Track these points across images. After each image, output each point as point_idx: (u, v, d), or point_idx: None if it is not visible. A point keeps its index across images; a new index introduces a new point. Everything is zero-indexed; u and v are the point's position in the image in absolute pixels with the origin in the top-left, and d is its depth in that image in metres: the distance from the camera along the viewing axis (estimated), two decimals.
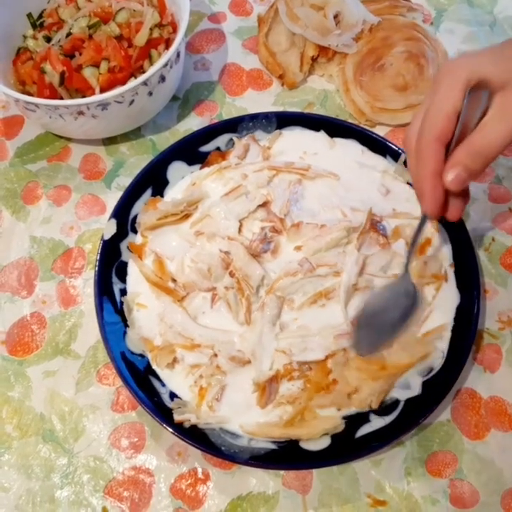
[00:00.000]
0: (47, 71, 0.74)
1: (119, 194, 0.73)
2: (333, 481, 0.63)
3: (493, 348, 0.69)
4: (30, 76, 0.76)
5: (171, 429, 0.60)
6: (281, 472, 0.63)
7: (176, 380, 0.65)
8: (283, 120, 0.78)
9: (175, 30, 0.80)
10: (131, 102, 0.73)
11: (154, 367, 0.66)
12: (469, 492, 0.62)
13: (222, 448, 0.60)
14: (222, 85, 0.86)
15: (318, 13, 0.82)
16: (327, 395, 0.63)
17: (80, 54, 0.75)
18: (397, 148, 0.75)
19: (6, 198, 0.78)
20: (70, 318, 0.71)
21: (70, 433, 0.65)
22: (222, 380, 0.64)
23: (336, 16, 0.82)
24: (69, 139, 0.82)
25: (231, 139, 0.77)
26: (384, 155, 0.76)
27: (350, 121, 0.80)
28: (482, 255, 0.74)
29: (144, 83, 0.71)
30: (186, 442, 0.60)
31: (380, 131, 0.81)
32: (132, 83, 0.70)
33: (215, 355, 0.64)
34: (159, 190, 0.75)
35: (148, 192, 0.74)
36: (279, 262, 0.69)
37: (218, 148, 0.77)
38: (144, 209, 0.73)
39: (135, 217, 0.72)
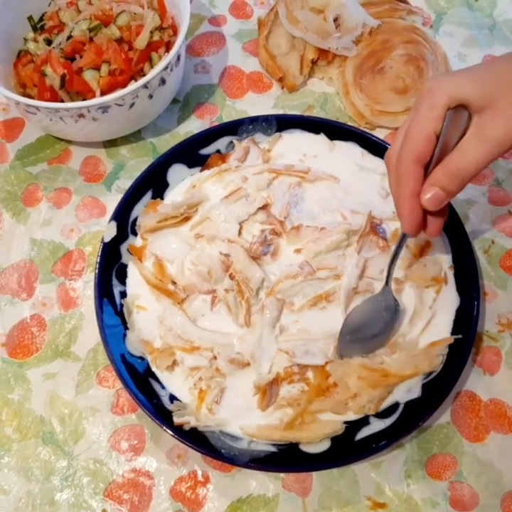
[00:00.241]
0: (47, 74, 0.74)
1: (119, 196, 0.73)
2: (333, 483, 0.63)
3: (492, 351, 0.69)
4: (30, 79, 0.76)
5: (170, 432, 0.60)
6: (281, 475, 0.63)
7: (175, 383, 0.65)
8: (283, 123, 0.78)
9: (175, 33, 0.80)
10: (132, 104, 0.73)
11: (154, 369, 0.66)
12: (469, 495, 0.62)
13: (222, 450, 0.60)
14: (223, 88, 0.87)
15: (318, 16, 0.83)
16: (326, 400, 0.63)
17: (81, 57, 0.75)
18: None
19: (6, 200, 0.78)
20: (70, 321, 0.71)
21: (69, 435, 0.65)
22: (222, 383, 0.64)
23: (335, 19, 0.83)
24: (69, 142, 0.82)
25: (231, 142, 0.77)
26: (384, 158, 0.76)
27: (349, 124, 0.81)
28: (482, 258, 0.74)
29: (145, 86, 0.72)
30: (186, 445, 0.60)
31: (380, 133, 0.81)
32: (133, 86, 0.70)
33: (215, 357, 0.64)
34: (159, 192, 0.75)
35: (149, 194, 0.74)
36: (279, 265, 0.69)
37: (218, 151, 0.77)
38: (144, 212, 0.73)
39: (135, 219, 0.73)
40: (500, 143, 0.51)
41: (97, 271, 0.68)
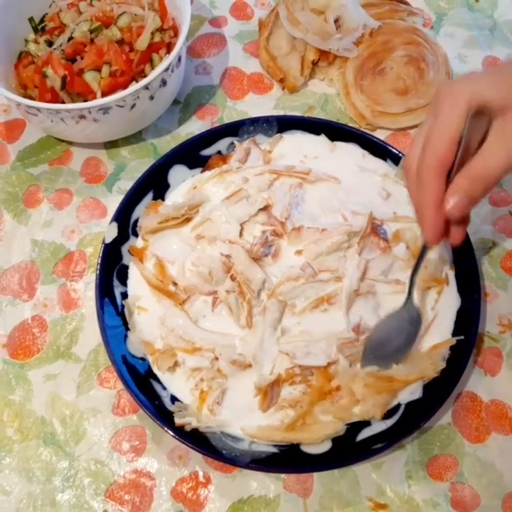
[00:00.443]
0: (48, 75, 0.74)
1: (120, 198, 0.73)
2: (334, 484, 0.63)
3: (493, 352, 0.69)
4: (31, 80, 0.76)
5: (172, 433, 0.60)
6: (282, 475, 0.63)
7: (176, 384, 0.65)
8: (284, 124, 0.78)
9: (176, 35, 0.80)
10: (133, 106, 0.73)
11: (155, 370, 0.66)
12: (470, 495, 0.62)
13: (223, 451, 0.60)
14: (223, 89, 0.87)
15: (319, 18, 0.83)
16: (329, 404, 0.63)
17: (82, 58, 0.75)
18: (397, 152, 0.75)
19: (7, 201, 0.79)
20: (71, 322, 0.71)
21: (70, 436, 0.65)
22: (223, 384, 0.64)
23: (336, 20, 0.83)
24: (70, 143, 0.82)
25: (232, 143, 0.77)
26: (384, 159, 0.76)
27: (350, 125, 0.81)
28: (483, 259, 0.74)
29: (146, 87, 0.72)
30: (187, 446, 0.60)
31: (381, 134, 0.81)
32: (133, 87, 0.70)
33: (216, 358, 0.64)
34: (160, 193, 0.75)
35: (150, 196, 0.74)
36: (280, 266, 0.69)
37: (219, 152, 0.77)
38: (145, 212, 0.73)
39: (136, 220, 0.73)
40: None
41: (98, 272, 0.68)
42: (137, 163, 0.81)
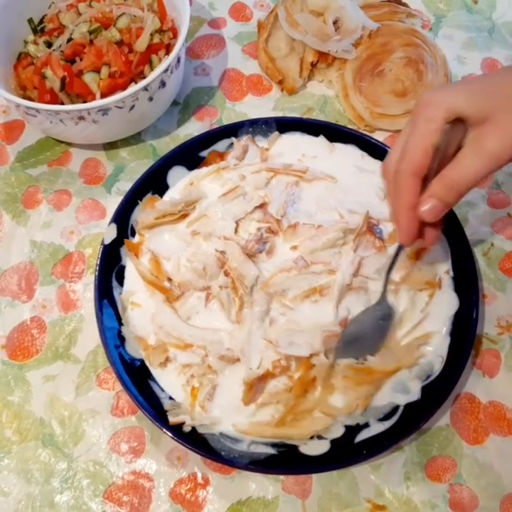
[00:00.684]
0: (48, 76, 0.74)
1: (119, 199, 0.73)
2: (332, 485, 0.63)
3: (492, 353, 0.69)
4: (31, 81, 0.76)
5: (170, 434, 0.60)
6: (281, 477, 0.63)
7: (168, 380, 0.65)
8: (283, 125, 0.78)
9: (175, 36, 0.80)
10: (132, 107, 0.73)
11: (148, 365, 0.66)
12: (468, 497, 0.62)
13: (222, 453, 0.60)
14: (222, 90, 0.87)
15: (318, 19, 0.83)
16: (312, 400, 0.63)
17: (81, 59, 0.75)
18: None
19: (6, 202, 0.79)
20: (70, 323, 0.71)
21: (69, 437, 0.65)
22: (214, 380, 0.64)
23: (335, 22, 0.83)
24: (69, 144, 0.82)
25: (231, 144, 0.77)
26: (383, 160, 0.76)
27: (349, 126, 0.81)
28: (481, 260, 0.74)
29: (145, 88, 0.72)
30: (186, 447, 0.60)
31: (379, 136, 0.81)
32: (133, 88, 0.70)
33: (207, 355, 0.65)
34: (159, 195, 0.75)
35: (149, 197, 0.74)
36: (274, 262, 0.69)
37: None
38: (142, 207, 0.73)
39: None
40: (497, 157, 0.51)
41: (97, 273, 0.68)
42: (136, 165, 0.81)
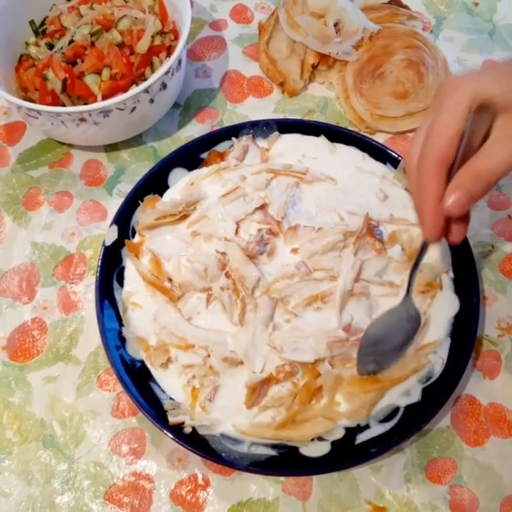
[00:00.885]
0: (49, 78, 0.74)
1: (120, 200, 0.73)
2: (333, 487, 0.63)
3: (492, 355, 0.69)
4: (32, 83, 0.76)
5: (171, 435, 0.60)
6: (281, 478, 0.63)
7: (169, 381, 0.65)
8: (283, 127, 0.78)
9: (176, 38, 0.80)
10: (133, 109, 0.73)
11: (148, 366, 0.66)
12: (469, 499, 0.62)
13: (223, 454, 0.60)
14: (223, 92, 0.87)
15: (319, 21, 0.83)
16: (317, 408, 0.63)
17: (82, 61, 0.76)
18: (396, 156, 0.75)
19: (7, 203, 0.79)
20: (71, 324, 0.71)
21: (70, 439, 0.65)
22: (215, 381, 0.64)
23: (336, 24, 0.83)
24: (70, 146, 0.82)
25: (232, 146, 0.78)
26: (384, 162, 0.76)
27: (350, 128, 0.81)
28: (482, 262, 0.74)
29: (146, 90, 0.72)
30: (186, 448, 0.60)
31: (380, 138, 0.81)
32: (134, 90, 0.71)
33: (209, 355, 0.65)
34: (160, 196, 0.75)
35: (149, 197, 0.74)
36: (275, 264, 0.69)
37: None
38: (142, 208, 0.73)
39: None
40: None
41: (98, 274, 0.68)
42: (137, 166, 0.81)
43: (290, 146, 0.78)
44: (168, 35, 0.79)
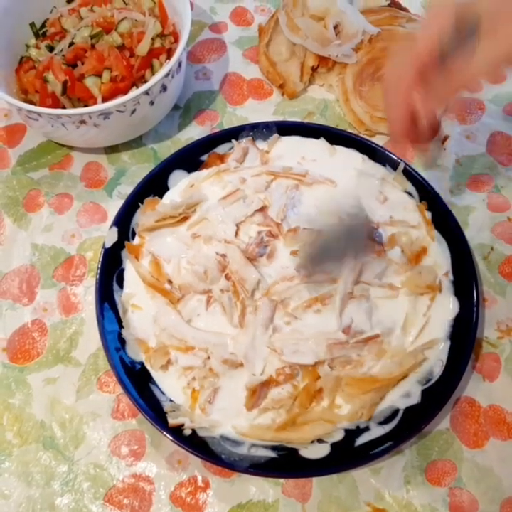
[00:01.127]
0: (49, 80, 0.74)
1: (120, 202, 0.73)
2: (332, 489, 0.63)
3: (492, 357, 0.69)
4: (32, 85, 0.76)
5: (171, 437, 0.60)
6: (281, 480, 0.63)
7: (169, 382, 0.65)
8: (283, 129, 0.78)
9: (176, 40, 0.80)
10: (133, 111, 0.73)
11: (148, 368, 0.66)
12: (468, 501, 0.62)
13: (222, 456, 0.60)
14: (223, 95, 0.87)
15: (319, 24, 0.83)
16: (317, 411, 0.63)
17: (83, 63, 0.76)
18: (396, 158, 0.75)
19: (7, 205, 0.79)
20: (71, 326, 0.71)
21: (70, 440, 0.65)
22: (215, 383, 0.64)
23: (336, 27, 0.83)
24: (71, 148, 0.82)
25: (231, 148, 0.78)
26: (383, 164, 0.76)
27: (349, 130, 0.81)
28: (481, 264, 0.74)
29: (146, 92, 0.72)
30: (186, 450, 0.60)
31: (380, 140, 0.81)
32: (134, 93, 0.71)
33: (209, 357, 0.65)
34: (160, 198, 0.75)
35: (149, 199, 0.74)
36: (275, 267, 0.69)
37: None
38: (142, 210, 0.73)
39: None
40: (493, 62, 0.50)
41: (98, 276, 0.68)
42: (137, 168, 0.81)
43: (290, 149, 0.78)
44: (168, 38, 0.80)
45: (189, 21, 0.75)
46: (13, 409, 0.67)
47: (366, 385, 0.63)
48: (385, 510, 0.62)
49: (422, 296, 0.68)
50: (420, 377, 0.65)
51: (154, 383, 0.65)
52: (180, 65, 0.77)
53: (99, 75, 0.75)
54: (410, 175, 0.75)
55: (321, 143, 0.78)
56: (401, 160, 0.75)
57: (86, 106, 0.74)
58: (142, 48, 0.77)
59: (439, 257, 0.70)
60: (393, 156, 0.75)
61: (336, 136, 0.78)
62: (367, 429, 0.63)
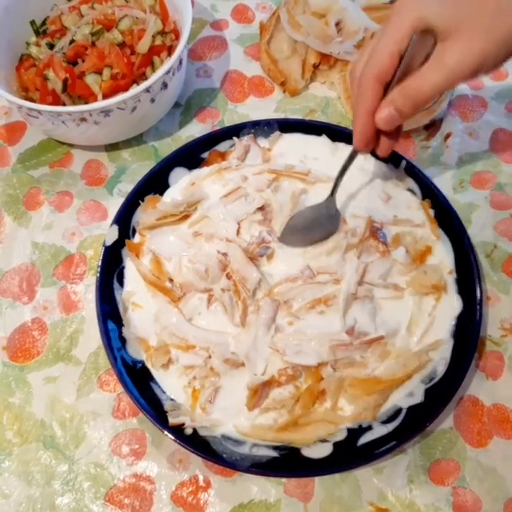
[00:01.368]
0: (50, 78, 0.74)
1: (120, 200, 0.73)
2: (335, 489, 0.63)
3: (495, 355, 0.69)
4: (33, 83, 0.76)
5: (172, 436, 0.60)
6: (283, 480, 0.63)
7: (169, 381, 0.65)
8: (284, 127, 0.78)
9: (177, 38, 0.80)
10: (134, 108, 0.73)
11: (149, 367, 0.65)
12: (472, 500, 0.62)
13: (224, 455, 0.60)
14: (224, 92, 0.87)
15: (320, 21, 0.83)
16: (320, 412, 0.63)
17: (83, 61, 0.76)
18: (398, 155, 0.75)
19: (8, 203, 0.79)
20: (71, 324, 0.71)
21: (70, 439, 0.65)
22: (216, 382, 0.64)
23: (337, 24, 0.83)
24: (71, 145, 0.82)
25: (233, 146, 0.77)
26: (386, 161, 0.76)
27: (351, 128, 0.80)
28: (484, 262, 0.74)
29: (147, 90, 0.72)
30: (187, 449, 0.60)
31: None
32: (135, 90, 0.70)
33: (210, 356, 0.64)
34: (161, 196, 0.75)
35: (150, 197, 0.74)
36: (277, 266, 0.69)
37: None
38: (143, 208, 0.73)
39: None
40: (455, 71, 0.51)
41: (98, 274, 0.68)
42: (138, 166, 0.81)
43: (292, 146, 0.78)
44: (169, 35, 0.79)
45: (190, 19, 0.75)
46: (13, 408, 0.67)
47: (370, 386, 0.63)
48: (387, 509, 0.62)
49: (427, 296, 0.68)
50: (423, 376, 0.64)
51: (155, 382, 0.65)
52: (181, 62, 0.76)
53: (99, 73, 0.75)
54: (412, 172, 0.74)
55: (323, 140, 0.77)
56: (403, 158, 0.74)
57: (86, 103, 0.74)
58: (143, 46, 0.76)
59: (443, 256, 0.70)
60: (395, 154, 0.75)
61: (338, 134, 0.77)
62: (370, 428, 0.62)
